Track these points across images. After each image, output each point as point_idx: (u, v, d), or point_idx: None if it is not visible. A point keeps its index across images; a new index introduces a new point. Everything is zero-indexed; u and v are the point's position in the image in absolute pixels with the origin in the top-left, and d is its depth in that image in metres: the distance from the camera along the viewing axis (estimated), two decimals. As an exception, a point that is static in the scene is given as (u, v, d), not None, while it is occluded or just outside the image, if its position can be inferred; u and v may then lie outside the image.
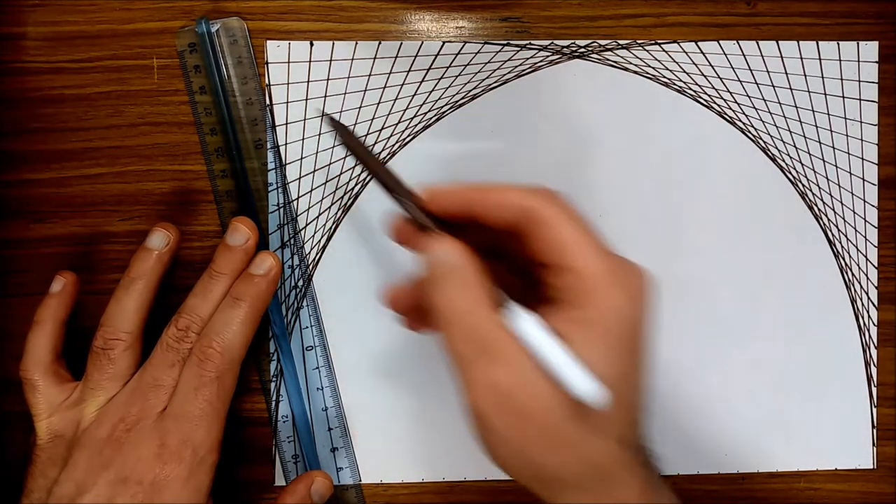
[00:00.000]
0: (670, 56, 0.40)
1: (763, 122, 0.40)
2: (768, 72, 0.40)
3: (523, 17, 0.40)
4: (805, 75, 0.40)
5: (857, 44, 0.40)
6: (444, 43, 0.39)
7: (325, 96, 0.39)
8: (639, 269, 0.28)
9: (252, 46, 0.38)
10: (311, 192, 0.39)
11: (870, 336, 0.41)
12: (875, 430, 0.41)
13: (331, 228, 0.39)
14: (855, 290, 0.41)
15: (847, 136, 0.40)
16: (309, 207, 0.39)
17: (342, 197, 0.39)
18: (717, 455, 0.40)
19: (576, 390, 0.25)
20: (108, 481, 0.31)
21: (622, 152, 0.40)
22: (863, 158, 0.41)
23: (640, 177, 0.40)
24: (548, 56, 0.40)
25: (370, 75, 0.39)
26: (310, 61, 0.39)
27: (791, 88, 0.40)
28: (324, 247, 0.39)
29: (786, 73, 0.40)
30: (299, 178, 0.39)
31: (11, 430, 0.38)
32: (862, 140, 0.40)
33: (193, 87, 0.38)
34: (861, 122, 0.40)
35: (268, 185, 0.39)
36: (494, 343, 0.26)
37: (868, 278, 0.41)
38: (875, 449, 0.41)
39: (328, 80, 0.39)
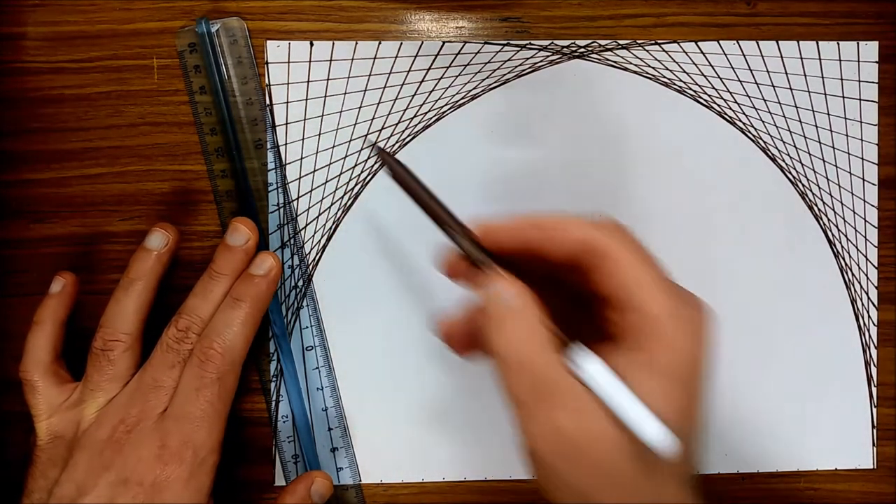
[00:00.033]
0: (670, 56, 0.40)
1: (763, 122, 0.40)
2: (768, 72, 0.40)
3: (523, 17, 0.39)
4: (805, 75, 0.40)
5: (857, 44, 0.40)
6: (444, 43, 0.39)
7: (325, 96, 0.38)
8: (701, 305, 0.28)
9: (252, 46, 0.38)
10: (311, 192, 0.39)
11: (870, 336, 0.40)
12: (875, 430, 0.41)
13: (331, 228, 0.39)
14: (855, 290, 0.40)
15: (847, 136, 0.40)
16: (309, 207, 0.39)
17: (342, 197, 0.39)
18: (717, 455, 0.40)
19: (645, 438, 0.25)
20: (109, 482, 0.31)
21: (622, 152, 0.40)
22: (863, 158, 0.40)
23: (639, 176, 0.40)
24: (548, 56, 0.39)
25: (370, 75, 0.39)
26: (310, 61, 0.38)
27: (791, 88, 0.40)
28: (324, 247, 0.39)
29: (786, 73, 0.40)
30: (299, 178, 0.39)
31: (11, 430, 0.38)
32: (862, 140, 0.40)
33: (193, 87, 0.38)
34: (861, 122, 0.40)
35: (268, 185, 0.38)
36: (556, 387, 0.25)
37: (868, 278, 0.40)
38: (875, 449, 0.41)
39: (328, 80, 0.39)
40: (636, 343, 0.26)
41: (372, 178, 0.39)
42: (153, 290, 0.34)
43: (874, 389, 0.41)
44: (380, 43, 0.39)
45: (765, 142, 0.40)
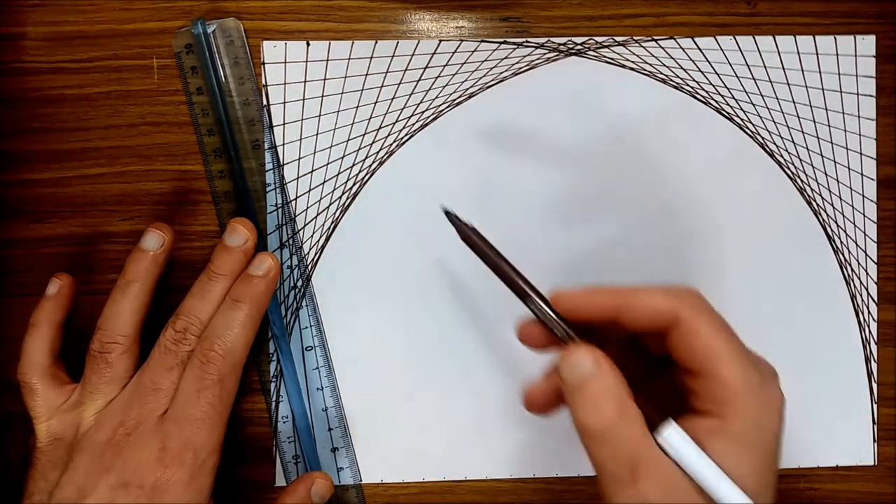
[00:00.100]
0: (667, 52, 0.39)
1: (761, 117, 0.39)
2: (766, 67, 0.39)
3: (523, 17, 0.39)
4: (802, 70, 0.39)
5: (854, 38, 0.39)
6: (440, 41, 0.38)
7: (323, 96, 0.38)
8: (775, 374, 0.28)
9: (249, 47, 0.37)
10: (309, 192, 0.38)
11: (870, 332, 0.40)
12: (875, 427, 0.40)
13: (329, 228, 0.38)
14: (854, 286, 0.40)
15: (845, 130, 0.40)
16: (307, 207, 0.38)
17: (340, 196, 0.38)
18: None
19: None
20: (109, 485, 0.30)
21: (620, 148, 0.39)
22: (861, 153, 0.40)
23: (638, 173, 0.39)
24: (545, 54, 0.39)
25: (367, 74, 0.38)
26: (306, 61, 0.38)
27: (789, 83, 0.39)
28: (322, 247, 0.38)
29: (783, 69, 0.39)
30: (297, 179, 0.38)
31: (11, 431, 0.37)
32: (860, 135, 0.40)
33: (190, 87, 0.37)
34: (859, 116, 0.40)
35: (266, 185, 0.38)
36: (642, 460, 0.25)
37: (868, 274, 0.40)
38: (876, 445, 0.40)
39: (325, 79, 0.38)
40: (716, 411, 0.26)
41: (370, 177, 0.38)
42: (150, 292, 0.34)
43: (874, 386, 0.40)
44: (376, 42, 0.38)
45: (763, 137, 0.39)
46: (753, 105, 0.39)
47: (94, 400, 0.32)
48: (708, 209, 0.39)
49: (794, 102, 0.39)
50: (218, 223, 0.38)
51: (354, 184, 0.38)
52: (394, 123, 0.38)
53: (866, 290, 0.40)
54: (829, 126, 0.40)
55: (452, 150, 0.38)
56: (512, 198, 0.39)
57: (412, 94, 0.38)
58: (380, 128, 0.38)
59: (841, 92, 0.40)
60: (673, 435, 0.26)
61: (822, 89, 0.39)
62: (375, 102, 0.38)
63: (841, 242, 0.40)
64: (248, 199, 0.37)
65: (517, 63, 0.39)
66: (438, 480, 0.39)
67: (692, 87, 0.39)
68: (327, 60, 0.38)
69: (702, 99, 0.39)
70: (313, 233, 0.38)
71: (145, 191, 0.38)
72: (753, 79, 0.39)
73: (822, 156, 0.40)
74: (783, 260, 0.40)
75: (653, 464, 0.25)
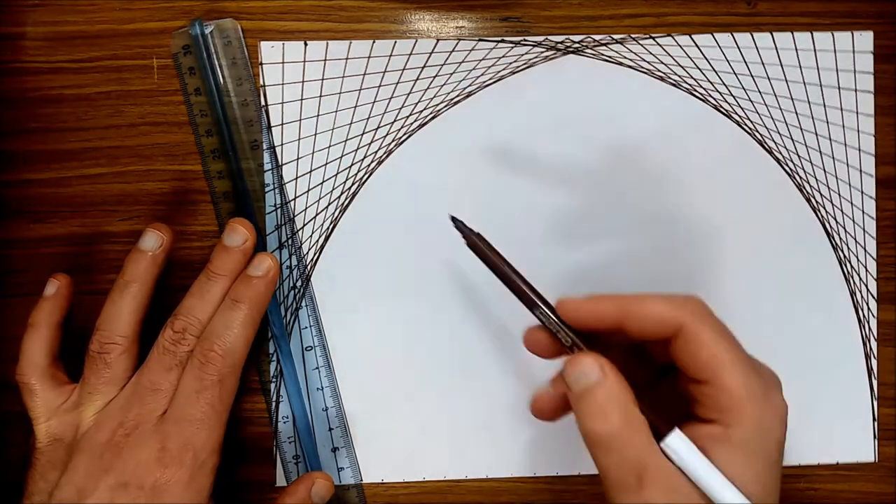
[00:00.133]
0: (665, 50, 0.39)
1: (759, 114, 0.39)
2: (763, 64, 0.39)
3: (523, 17, 0.38)
4: (800, 66, 0.39)
5: (852, 34, 0.39)
6: (438, 41, 0.38)
7: (321, 96, 0.38)
8: (777, 382, 0.28)
9: (247, 47, 0.37)
10: (308, 192, 0.38)
11: (869, 328, 0.40)
12: (876, 423, 0.39)
13: (328, 228, 0.38)
14: (854, 283, 0.39)
15: (843, 126, 0.39)
16: (306, 208, 0.38)
17: (339, 196, 0.38)
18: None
19: None
20: (109, 486, 0.30)
21: (618, 147, 0.39)
22: (859, 149, 0.39)
23: (636, 171, 0.39)
24: (542, 52, 0.38)
25: (365, 74, 0.38)
26: (304, 61, 0.37)
27: (787, 80, 0.39)
28: (322, 247, 0.38)
29: (781, 65, 0.39)
30: (296, 179, 0.38)
31: (11, 431, 0.37)
32: (858, 131, 0.39)
33: (188, 88, 0.37)
34: (857, 112, 0.39)
35: (264, 185, 0.37)
36: (647, 467, 0.26)
37: (867, 270, 0.40)
38: (877, 442, 0.40)
39: (323, 79, 0.38)
40: (719, 419, 0.26)
41: (369, 177, 0.38)
42: (149, 292, 0.33)
43: (875, 382, 0.40)
44: (374, 42, 0.38)
45: (761, 134, 0.39)
46: (751, 102, 0.39)
47: (94, 401, 0.32)
48: (706, 206, 0.39)
49: (791, 99, 0.39)
50: (217, 223, 0.37)
51: (353, 183, 0.38)
52: (392, 123, 0.38)
53: (866, 286, 0.40)
54: (827, 122, 0.39)
55: (451, 150, 0.38)
56: (511, 196, 0.38)
57: (410, 93, 0.38)
58: (378, 127, 0.38)
59: (839, 88, 0.39)
60: (677, 442, 0.26)
61: (820, 85, 0.39)
62: (373, 102, 0.38)
63: (840, 239, 0.39)
64: (246, 199, 0.37)
65: (515, 62, 0.38)
66: (439, 480, 0.38)
67: (690, 85, 0.39)
68: (325, 60, 0.38)
69: (700, 96, 0.39)
70: (312, 233, 0.38)
71: (145, 191, 0.37)
72: (751, 75, 0.39)
73: (820, 152, 0.39)
74: (782, 256, 0.39)
75: (658, 471, 0.26)
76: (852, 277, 0.39)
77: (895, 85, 0.40)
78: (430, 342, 0.38)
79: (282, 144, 0.37)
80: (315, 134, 0.38)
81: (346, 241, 0.38)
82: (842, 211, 0.39)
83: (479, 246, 0.30)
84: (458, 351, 0.38)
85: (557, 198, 0.38)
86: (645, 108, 0.39)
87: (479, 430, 0.38)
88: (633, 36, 0.39)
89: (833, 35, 0.39)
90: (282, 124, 0.37)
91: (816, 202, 0.39)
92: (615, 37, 0.39)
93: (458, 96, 0.38)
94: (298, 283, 0.38)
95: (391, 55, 0.38)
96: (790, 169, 0.39)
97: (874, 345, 0.40)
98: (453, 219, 0.31)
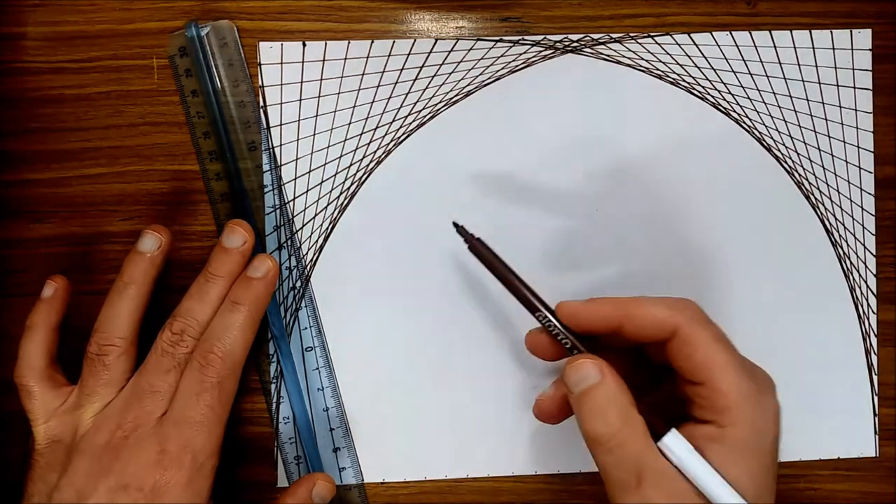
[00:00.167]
0: (663, 48, 0.38)
1: (758, 112, 0.39)
2: (762, 62, 0.39)
3: (523, 17, 0.38)
4: (799, 64, 0.39)
5: (851, 32, 0.39)
6: (436, 40, 0.37)
7: (319, 96, 0.37)
8: (771, 382, 0.29)
9: (242, 48, 0.37)
10: (307, 192, 0.37)
11: (869, 324, 0.39)
12: (877, 420, 0.39)
13: (328, 229, 0.37)
14: (853, 279, 0.39)
15: (842, 124, 0.39)
16: (305, 208, 0.37)
17: (339, 196, 0.38)
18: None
19: None
20: (109, 488, 0.30)
21: (617, 146, 0.38)
22: (858, 147, 0.39)
23: (634, 170, 0.38)
24: (541, 51, 0.38)
25: (364, 74, 0.37)
26: (303, 62, 0.37)
27: (785, 78, 0.39)
28: (321, 247, 0.37)
29: (779, 63, 0.39)
30: (295, 179, 0.37)
31: (11, 431, 0.37)
32: (857, 129, 0.39)
33: (185, 90, 0.36)
34: (856, 110, 0.39)
35: (263, 186, 0.37)
36: (646, 467, 0.26)
37: (866, 266, 0.39)
38: (878, 438, 0.39)
39: (321, 80, 0.37)
40: (715, 420, 0.27)
41: (368, 177, 0.38)
42: (147, 293, 0.33)
43: (875, 378, 0.39)
44: (372, 42, 0.37)
45: (760, 132, 0.39)
46: (750, 99, 0.39)
47: (92, 402, 0.32)
48: (705, 203, 0.39)
49: (790, 97, 0.39)
50: (215, 224, 0.37)
51: (352, 184, 0.38)
52: (391, 123, 0.38)
53: (865, 282, 0.39)
54: (826, 120, 0.39)
55: (450, 150, 0.38)
56: (511, 195, 0.38)
57: (409, 93, 0.38)
58: (377, 127, 0.38)
59: (838, 86, 0.39)
60: (674, 442, 0.27)
61: (819, 83, 0.39)
62: (372, 102, 0.37)
63: (839, 235, 0.39)
64: (244, 200, 0.36)
65: (514, 61, 0.38)
66: (439, 479, 0.38)
67: (688, 83, 0.39)
68: (323, 60, 0.37)
69: (699, 94, 0.39)
70: (312, 233, 0.37)
71: (145, 191, 0.37)
72: (750, 73, 0.39)
73: (819, 149, 0.39)
74: (781, 253, 0.39)
75: (656, 470, 0.26)
76: (851, 274, 0.39)
77: (894, 85, 0.39)
78: (430, 341, 0.38)
79: (281, 145, 0.37)
80: (314, 134, 0.37)
81: (345, 241, 0.37)
82: (840, 208, 0.39)
83: (481, 250, 0.31)
84: (458, 350, 0.38)
85: (557, 197, 0.38)
86: (643, 106, 0.38)
87: (480, 429, 0.38)
88: (631, 35, 0.38)
89: (832, 33, 0.39)
90: (281, 125, 0.37)
91: (815, 199, 0.39)
92: (613, 35, 0.38)
93: (456, 96, 0.38)
94: (298, 284, 0.37)
95: (390, 55, 0.37)
96: (789, 166, 0.39)
97: (874, 341, 0.39)
98: (455, 224, 0.32)
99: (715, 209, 0.39)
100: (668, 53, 0.38)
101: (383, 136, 0.38)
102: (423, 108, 0.38)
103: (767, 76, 0.39)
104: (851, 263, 0.39)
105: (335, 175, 0.37)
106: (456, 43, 0.38)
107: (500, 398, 0.38)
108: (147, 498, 0.30)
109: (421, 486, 0.38)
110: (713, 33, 0.38)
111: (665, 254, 0.38)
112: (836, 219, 0.39)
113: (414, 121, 0.38)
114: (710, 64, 0.39)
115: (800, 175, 0.39)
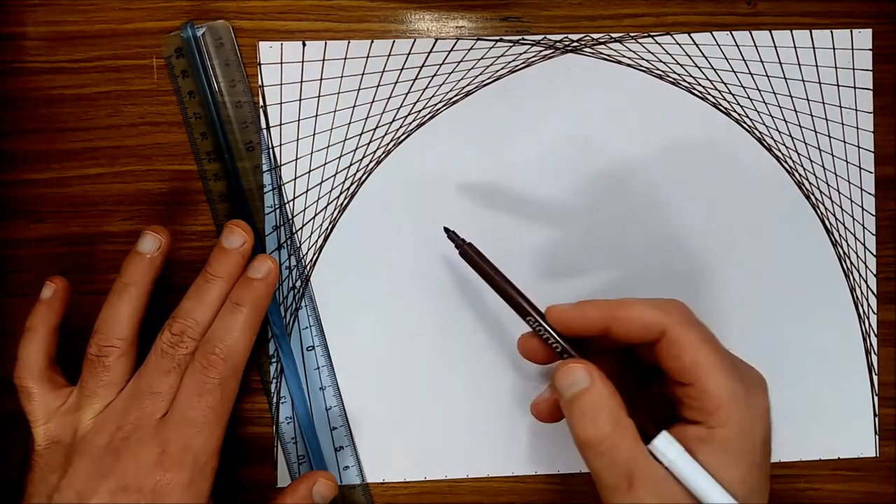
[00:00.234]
0: (663, 48, 0.38)
1: (758, 112, 0.38)
2: (762, 62, 0.38)
3: (523, 17, 0.37)
4: (799, 64, 0.38)
5: (851, 32, 0.38)
6: (436, 40, 0.37)
7: (319, 96, 0.37)
8: (762, 382, 0.28)
9: (239, 48, 0.36)
10: (306, 192, 0.37)
11: (869, 324, 0.39)
12: (877, 419, 0.39)
13: (327, 229, 0.37)
14: (853, 279, 0.39)
15: (843, 124, 0.39)
16: (305, 208, 0.37)
17: (338, 196, 0.37)
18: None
19: None
20: (109, 489, 0.29)
21: (617, 145, 0.38)
22: (858, 146, 0.39)
23: (634, 169, 0.38)
24: (541, 51, 0.38)
25: (363, 74, 0.37)
26: (302, 61, 0.37)
27: (785, 78, 0.38)
28: (321, 247, 0.37)
29: (780, 63, 0.38)
30: (294, 179, 0.37)
31: (11, 431, 0.36)
32: (857, 128, 0.39)
33: (182, 91, 0.36)
34: (856, 110, 0.39)
35: (262, 186, 0.36)
36: (637, 469, 0.26)
37: (866, 266, 0.39)
38: (878, 438, 0.39)
39: (321, 80, 0.37)
40: (704, 420, 0.27)
41: (367, 177, 0.37)
42: (147, 294, 0.32)
43: (875, 378, 0.39)
44: (372, 41, 0.37)
45: (760, 132, 0.38)
46: (750, 99, 0.38)
47: (92, 404, 0.31)
48: (705, 203, 0.38)
49: (791, 96, 0.38)
50: (214, 225, 0.37)
51: (352, 184, 0.37)
52: (391, 123, 0.37)
53: (865, 282, 0.39)
54: (826, 119, 0.39)
55: (450, 149, 0.37)
56: (511, 195, 0.37)
57: (409, 92, 0.37)
58: (377, 127, 0.37)
59: (838, 85, 0.39)
60: (665, 444, 0.27)
61: (819, 83, 0.39)
62: (372, 102, 0.37)
63: (839, 235, 0.39)
64: (243, 200, 0.36)
65: (514, 61, 0.38)
66: (439, 479, 0.38)
67: (689, 83, 0.38)
68: (323, 60, 0.37)
69: (699, 94, 0.38)
70: (311, 233, 0.37)
71: (145, 191, 0.37)
72: (750, 73, 0.38)
73: (819, 149, 0.39)
74: (781, 252, 0.39)
75: (646, 472, 0.26)
76: (852, 274, 0.39)
77: (894, 85, 0.39)
78: (430, 341, 0.37)
79: (280, 145, 0.37)
80: (314, 134, 0.37)
81: (345, 241, 0.37)
82: (841, 207, 0.39)
83: (472, 255, 0.31)
84: (458, 349, 0.37)
85: (557, 196, 0.38)
86: (644, 106, 0.38)
87: (480, 429, 0.38)
88: (631, 35, 0.38)
89: (832, 33, 0.38)
90: (280, 125, 0.37)
91: (815, 199, 0.39)
92: (614, 35, 0.38)
93: (456, 95, 0.37)
94: (298, 284, 0.37)
95: (389, 55, 0.37)
96: (789, 166, 0.39)
97: (874, 341, 0.39)
98: (446, 229, 0.32)
99: (715, 208, 0.38)
100: (668, 53, 0.38)
101: (383, 136, 0.37)
102: (423, 108, 0.37)
103: (768, 76, 0.38)
104: (851, 263, 0.39)
105: (335, 175, 0.37)
106: (456, 43, 0.37)
107: (500, 398, 0.38)
108: (147, 499, 0.29)
109: (421, 486, 0.38)
110: (713, 33, 0.38)
111: (665, 253, 0.38)
112: (836, 219, 0.39)
113: (414, 121, 0.37)
114: (710, 64, 0.38)
115: (800, 175, 0.38)
